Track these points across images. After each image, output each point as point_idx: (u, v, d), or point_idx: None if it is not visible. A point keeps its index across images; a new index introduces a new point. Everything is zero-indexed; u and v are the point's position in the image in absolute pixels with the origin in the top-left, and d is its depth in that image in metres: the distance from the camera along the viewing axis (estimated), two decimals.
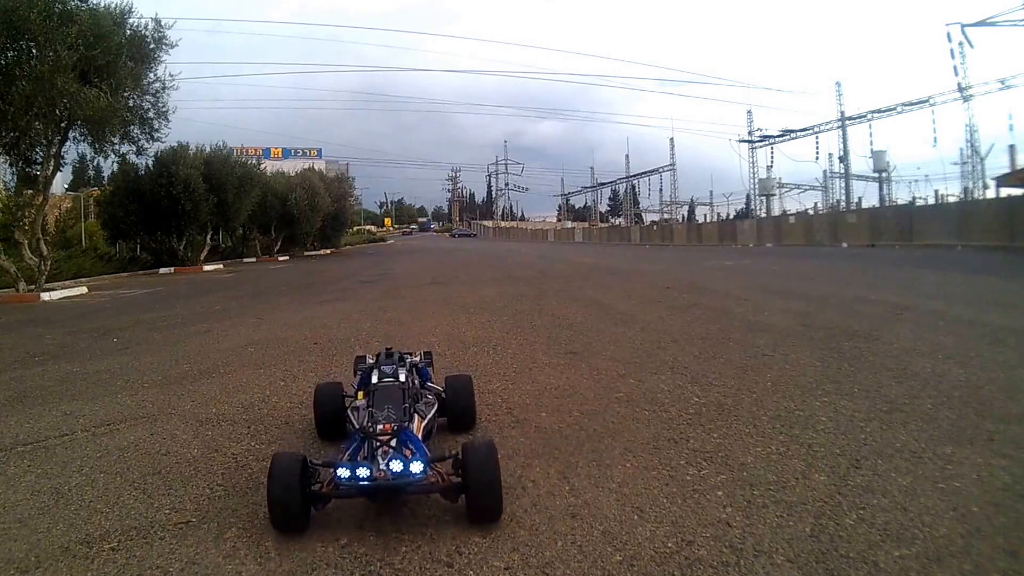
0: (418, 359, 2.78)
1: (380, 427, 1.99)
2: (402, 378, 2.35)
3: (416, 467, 1.82)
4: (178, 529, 1.94)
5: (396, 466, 1.81)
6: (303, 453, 1.93)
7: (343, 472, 1.79)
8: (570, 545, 1.74)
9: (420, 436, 2.14)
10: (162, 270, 19.13)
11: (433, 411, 2.47)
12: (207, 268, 19.49)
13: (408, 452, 1.91)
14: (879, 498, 1.97)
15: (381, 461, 1.84)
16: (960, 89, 33.88)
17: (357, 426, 2.18)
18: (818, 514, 1.87)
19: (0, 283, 12.34)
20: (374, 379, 2.34)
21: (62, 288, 12.17)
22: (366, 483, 1.79)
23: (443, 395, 2.68)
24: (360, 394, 2.41)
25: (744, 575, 1.58)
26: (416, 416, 2.24)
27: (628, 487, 2.13)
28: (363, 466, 1.80)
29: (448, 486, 1.87)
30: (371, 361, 2.65)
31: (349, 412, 2.43)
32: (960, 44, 32.15)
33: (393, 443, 1.92)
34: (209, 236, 21.73)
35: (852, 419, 2.75)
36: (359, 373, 2.65)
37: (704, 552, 1.68)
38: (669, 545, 1.73)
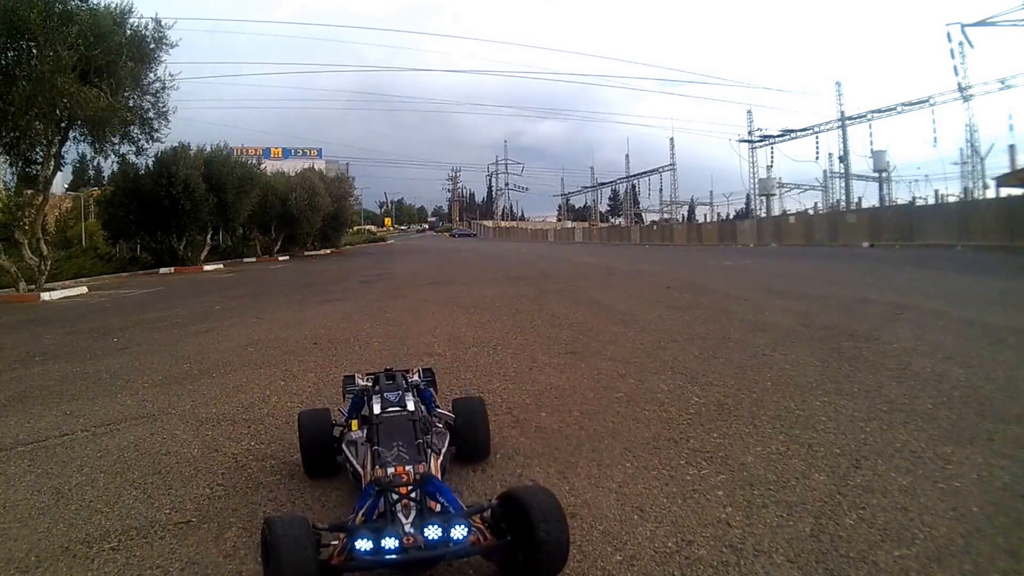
0: (416, 378, 2.36)
1: (392, 470, 1.68)
2: (410, 406, 2.00)
3: (458, 532, 1.47)
4: (178, 529, 1.94)
5: (433, 533, 1.46)
6: (303, 514, 1.67)
7: (363, 544, 1.43)
8: (570, 545, 1.74)
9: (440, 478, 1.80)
10: (162, 270, 19.16)
11: (446, 443, 2.14)
12: (207, 268, 19.51)
13: (434, 505, 1.61)
14: (879, 498, 1.97)
15: (405, 521, 1.51)
16: (960, 89, 33.86)
17: (358, 464, 1.90)
18: (818, 514, 1.87)
19: (0, 283, 12.35)
20: (376, 408, 1.98)
21: (62, 288, 12.18)
22: (395, 556, 1.43)
23: (452, 423, 2.31)
24: (354, 424, 2.07)
25: (744, 575, 1.58)
26: (431, 454, 1.88)
27: (628, 487, 2.13)
28: (390, 535, 1.44)
29: (493, 546, 1.52)
30: (361, 382, 2.30)
31: (345, 447, 2.07)
32: (960, 44, 32.15)
33: (414, 495, 1.60)
34: (209, 236, 21.75)
35: (852, 419, 2.75)
36: (349, 396, 2.30)
37: (704, 552, 1.69)
38: (669, 545, 1.73)
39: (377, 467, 1.72)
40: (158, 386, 3.89)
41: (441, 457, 1.98)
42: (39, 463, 2.59)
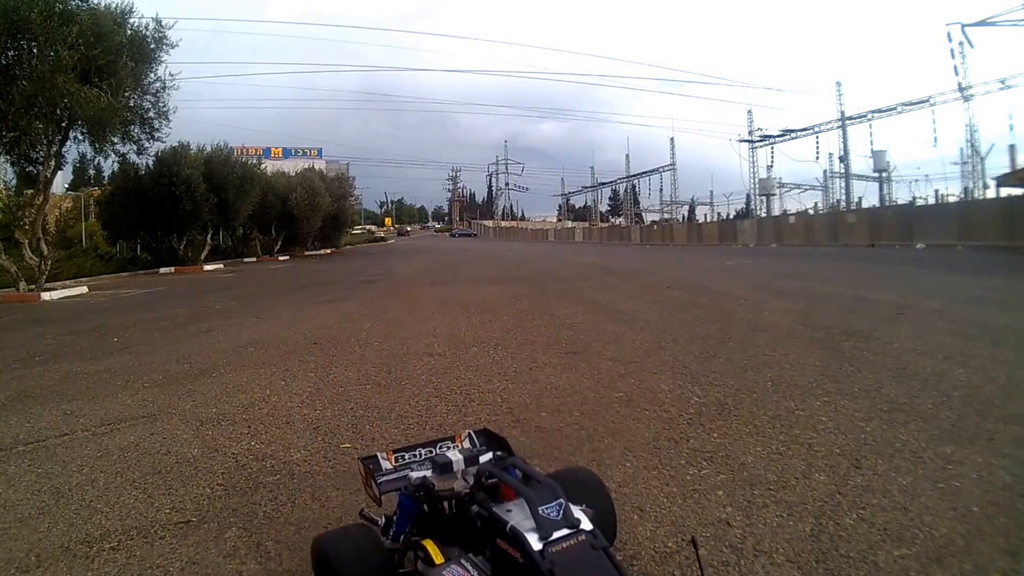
0: (467, 444, 1.64)
1: None
2: (586, 523, 1.20)
3: None
4: (178, 529, 1.94)
5: None
6: None
7: None
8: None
9: None
10: (162, 270, 19.15)
11: None
12: (207, 268, 19.51)
13: None
14: (879, 498, 1.97)
15: None
16: (960, 89, 33.81)
17: None
18: (818, 514, 1.87)
19: (1, 283, 12.34)
20: (534, 542, 1.13)
21: (62, 288, 12.18)
22: None
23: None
24: (433, 548, 1.32)
25: (744, 575, 1.58)
26: None
27: (628, 487, 2.13)
28: None
29: None
30: (388, 464, 1.57)
31: None
32: (960, 44, 32.08)
33: None
34: (209, 236, 21.75)
35: (852, 419, 2.75)
36: (393, 490, 1.50)
37: (704, 552, 1.68)
38: (669, 545, 1.73)
39: None
40: (158, 386, 3.89)
41: None
42: (39, 463, 2.59)
